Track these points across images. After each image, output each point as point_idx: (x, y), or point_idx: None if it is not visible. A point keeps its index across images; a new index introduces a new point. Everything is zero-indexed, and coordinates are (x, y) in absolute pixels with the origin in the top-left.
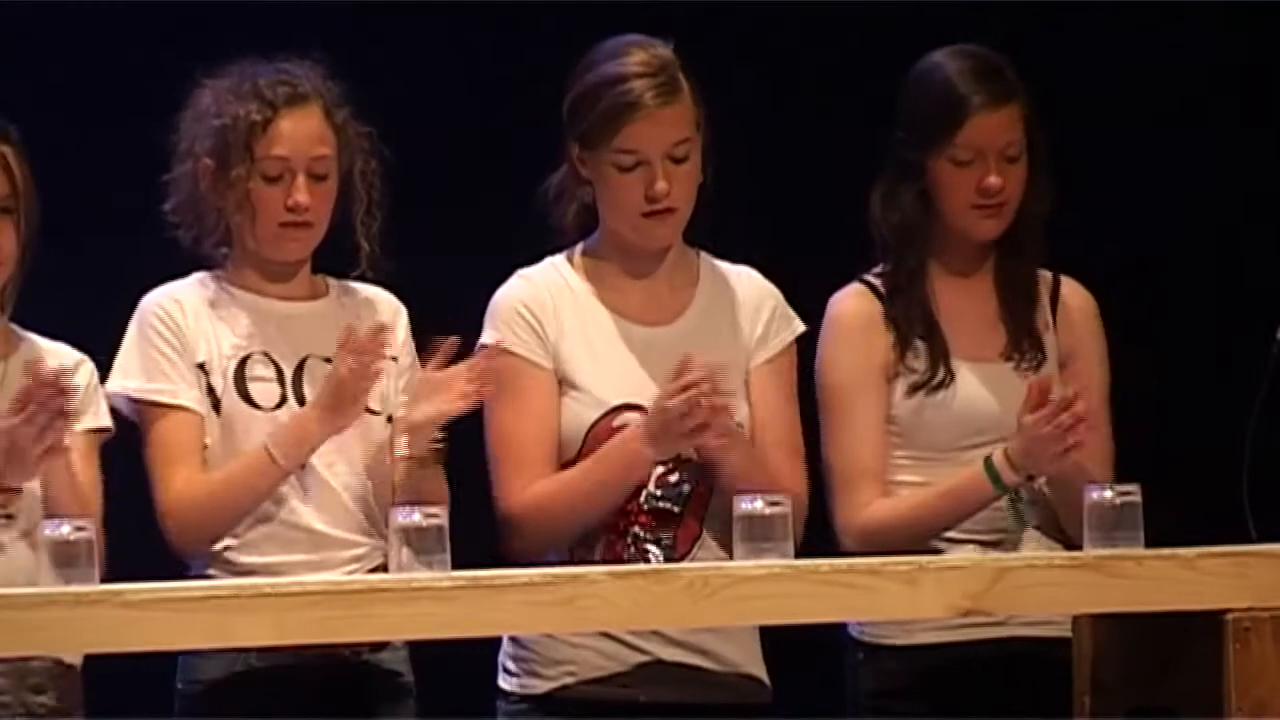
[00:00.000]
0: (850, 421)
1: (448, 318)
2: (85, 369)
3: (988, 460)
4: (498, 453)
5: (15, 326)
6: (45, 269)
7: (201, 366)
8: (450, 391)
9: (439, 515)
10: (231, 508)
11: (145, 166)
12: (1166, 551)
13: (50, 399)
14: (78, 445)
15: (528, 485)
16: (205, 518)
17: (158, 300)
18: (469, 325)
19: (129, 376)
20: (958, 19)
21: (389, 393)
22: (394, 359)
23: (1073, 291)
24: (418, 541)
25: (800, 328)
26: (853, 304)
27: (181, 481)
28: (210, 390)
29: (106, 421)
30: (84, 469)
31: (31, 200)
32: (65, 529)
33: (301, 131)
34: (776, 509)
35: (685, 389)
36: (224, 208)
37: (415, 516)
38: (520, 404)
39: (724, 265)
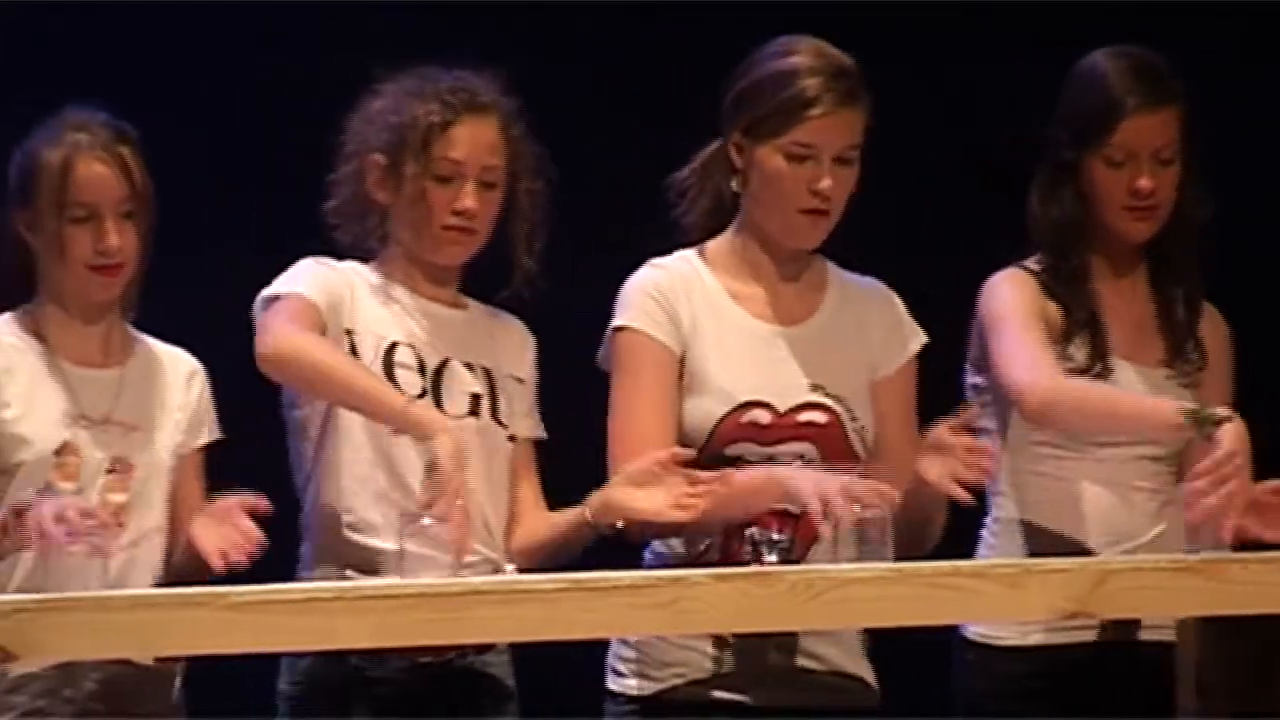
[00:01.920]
0: (1030, 325)
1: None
2: (201, 378)
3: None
4: (614, 428)
5: (133, 330)
6: (169, 274)
7: (350, 333)
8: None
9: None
10: (337, 381)
11: (274, 172)
12: (1271, 555)
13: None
14: (194, 464)
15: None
16: (313, 370)
17: (320, 258)
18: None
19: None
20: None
21: (514, 411)
22: (520, 380)
23: (1211, 312)
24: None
25: (923, 339)
26: (1015, 281)
27: (295, 331)
28: (355, 357)
29: (217, 434)
30: (196, 489)
31: (150, 202)
32: None
33: (478, 139)
34: (875, 512)
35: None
36: (389, 205)
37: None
38: (642, 383)
39: (850, 274)
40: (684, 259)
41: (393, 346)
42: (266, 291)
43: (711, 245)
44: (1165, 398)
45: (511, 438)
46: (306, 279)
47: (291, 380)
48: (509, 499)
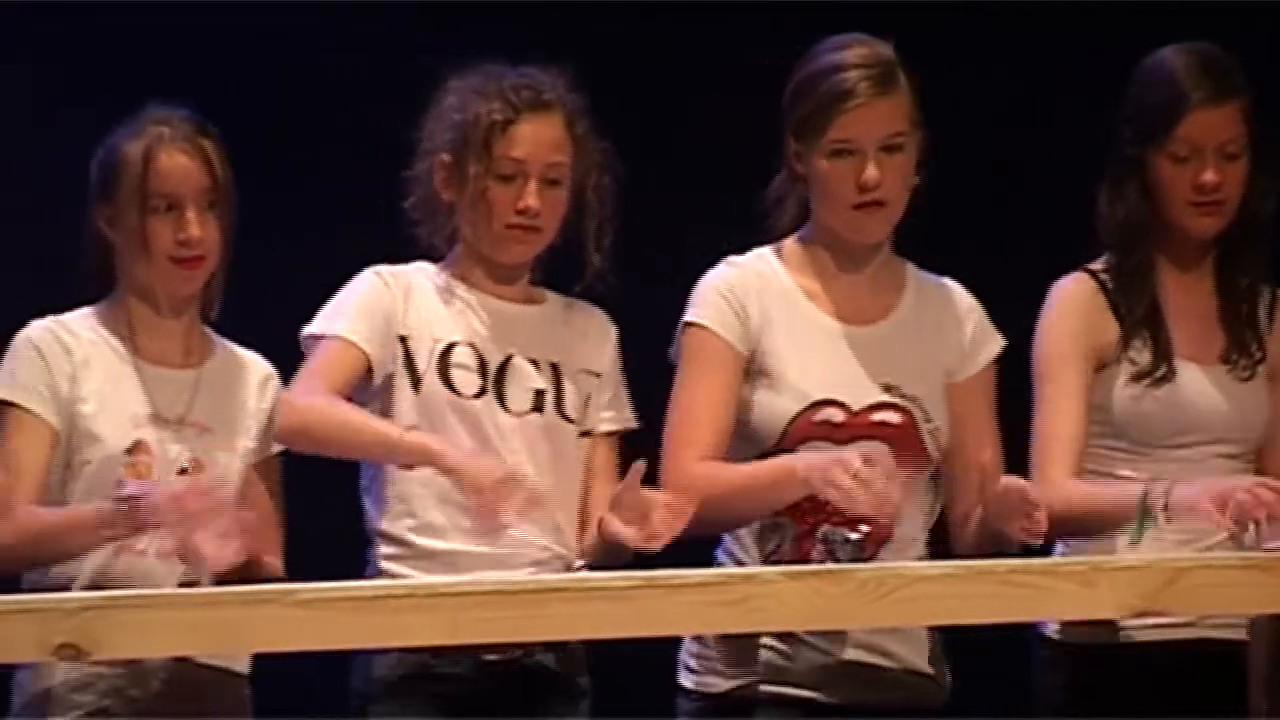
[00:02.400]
0: (1053, 392)
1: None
2: (275, 384)
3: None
4: (673, 420)
5: (210, 332)
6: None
7: (405, 340)
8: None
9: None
10: (339, 435)
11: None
12: None
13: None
14: (264, 470)
15: (694, 462)
16: (316, 431)
17: (381, 269)
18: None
19: (321, 316)
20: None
21: (589, 406)
22: (597, 374)
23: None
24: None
25: (1001, 343)
26: (1074, 287)
27: (308, 392)
28: (411, 367)
29: (277, 449)
30: (261, 494)
31: (232, 197)
32: None
33: (540, 137)
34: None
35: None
36: (455, 203)
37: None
38: (707, 381)
39: (929, 275)
40: (761, 257)
41: (449, 348)
42: (310, 329)
43: (787, 244)
44: (1223, 389)
45: (587, 434)
46: (350, 309)
47: (310, 450)
48: (584, 497)
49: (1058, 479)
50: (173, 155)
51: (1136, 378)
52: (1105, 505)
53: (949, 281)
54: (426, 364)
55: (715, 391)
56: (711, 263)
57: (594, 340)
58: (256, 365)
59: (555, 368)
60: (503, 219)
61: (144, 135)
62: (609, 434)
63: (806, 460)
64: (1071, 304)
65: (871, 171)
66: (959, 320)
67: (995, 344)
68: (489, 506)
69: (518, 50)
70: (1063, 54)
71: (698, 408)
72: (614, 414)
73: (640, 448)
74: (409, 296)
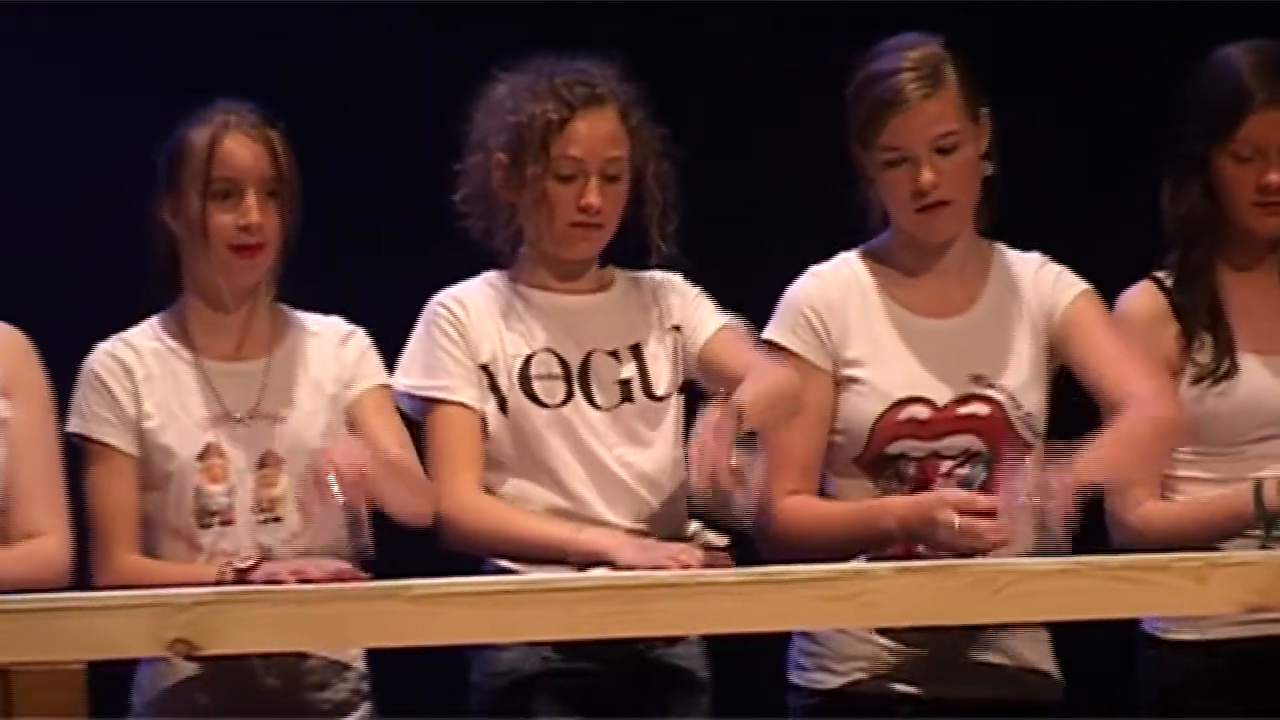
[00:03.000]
0: None
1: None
2: (357, 338)
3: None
4: (765, 451)
5: (286, 310)
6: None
7: (486, 367)
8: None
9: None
10: (505, 546)
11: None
12: None
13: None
14: (371, 401)
15: (789, 491)
16: (480, 539)
17: (444, 300)
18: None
19: (410, 374)
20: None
21: (680, 356)
22: (676, 327)
23: None
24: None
25: (1082, 285)
26: (1138, 300)
27: (464, 489)
28: (496, 390)
29: (384, 379)
30: (386, 423)
31: (295, 189)
32: None
33: (597, 133)
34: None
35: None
36: (516, 204)
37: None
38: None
39: (1015, 254)
40: (844, 261)
41: (528, 361)
42: (420, 389)
43: (870, 245)
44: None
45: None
46: (448, 365)
47: (460, 545)
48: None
49: (1137, 495)
50: (238, 140)
51: (1198, 379)
52: (1210, 513)
53: (1029, 254)
54: (509, 383)
55: (807, 423)
56: (792, 251)
57: (662, 299)
58: (333, 328)
59: (636, 350)
60: (565, 218)
61: (209, 123)
62: (720, 329)
63: (902, 516)
64: (1136, 320)
65: (927, 175)
66: (1035, 283)
67: (1076, 285)
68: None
69: (563, 46)
70: (1124, 51)
71: (792, 441)
72: (709, 318)
73: None
74: (479, 323)
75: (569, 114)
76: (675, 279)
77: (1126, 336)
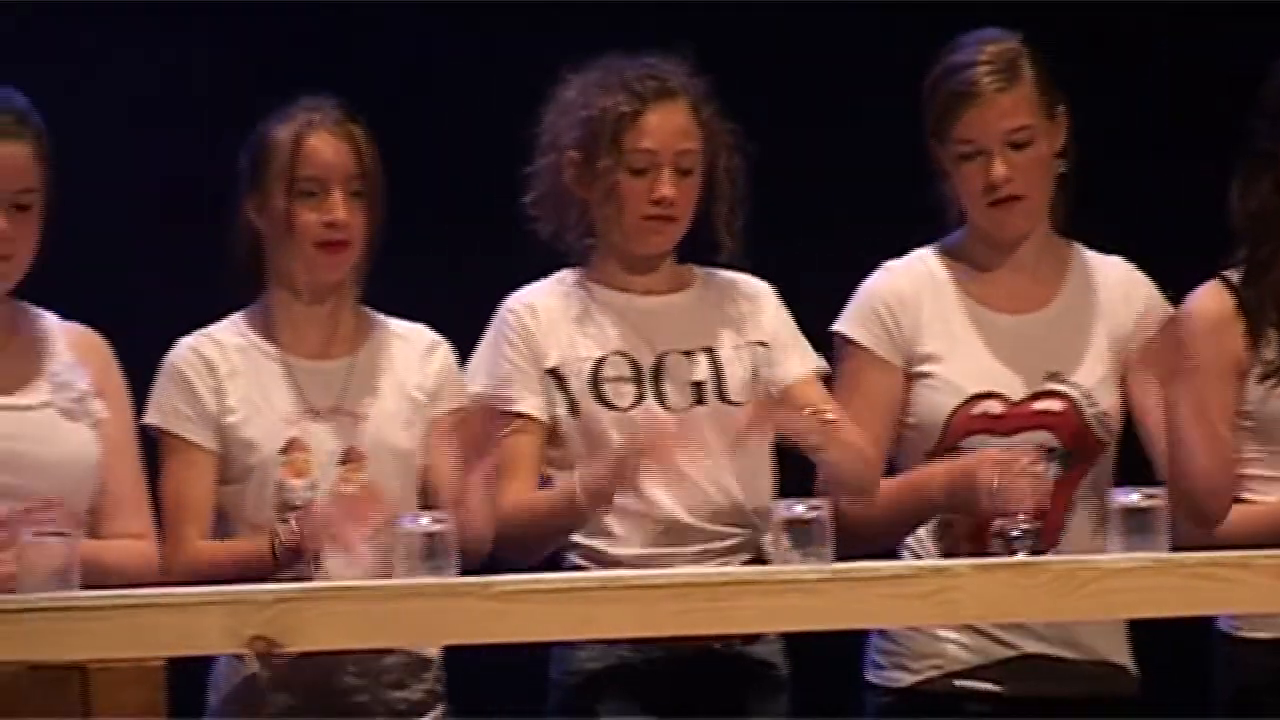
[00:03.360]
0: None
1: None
2: (443, 351)
3: None
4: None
5: (370, 312)
6: (408, 260)
7: (554, 372)
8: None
9: (821, 508)
10: (536, 531)
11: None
12: None
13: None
14: (446, 425)
15: None
16: (514, 538)
17: (513, 305)
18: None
19: (475, 380)
20: None
21: (759, 377)
22: (763, 344)
23: None
24: (798, 534)
25: (1169, 311)
26: (1205, 302)
27: (510, 496)
28: (566, 393)
29: (465, 400)
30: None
31: (380, 186)
32: (425, 520)
33: (669, 126)
34: (1154, 502)
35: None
36: (588, 200)
37: (798, 509)
38: (857, 399)
39: (1096, 255)
40: (919, 258)
41: (599, 364)
42: (490, 398)
43: (946, 241)
44: None
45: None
46: (515, 376)
47: (519, 556)
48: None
49: None
50: (322, 138)
51: (1265, 376)
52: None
53: (1115, 259)
54: (580, 386)
55: (871, 414)
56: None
57: (748, 309)
58: (418, 335)
59: (711, 353)
60: (638, 211)
61: (293, 120)
62: (805, 380)
63: (945, 483)
64: (1203, 323)
65: (999, 169)
66: (1126, 298)
67: (1163, 311)
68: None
69: (632, 45)
70: (1195, 48)
71: (860, 427)
72: (797, 360)
73: None
74: (548, 327)
75: (641, 106)
76: (767, 292)
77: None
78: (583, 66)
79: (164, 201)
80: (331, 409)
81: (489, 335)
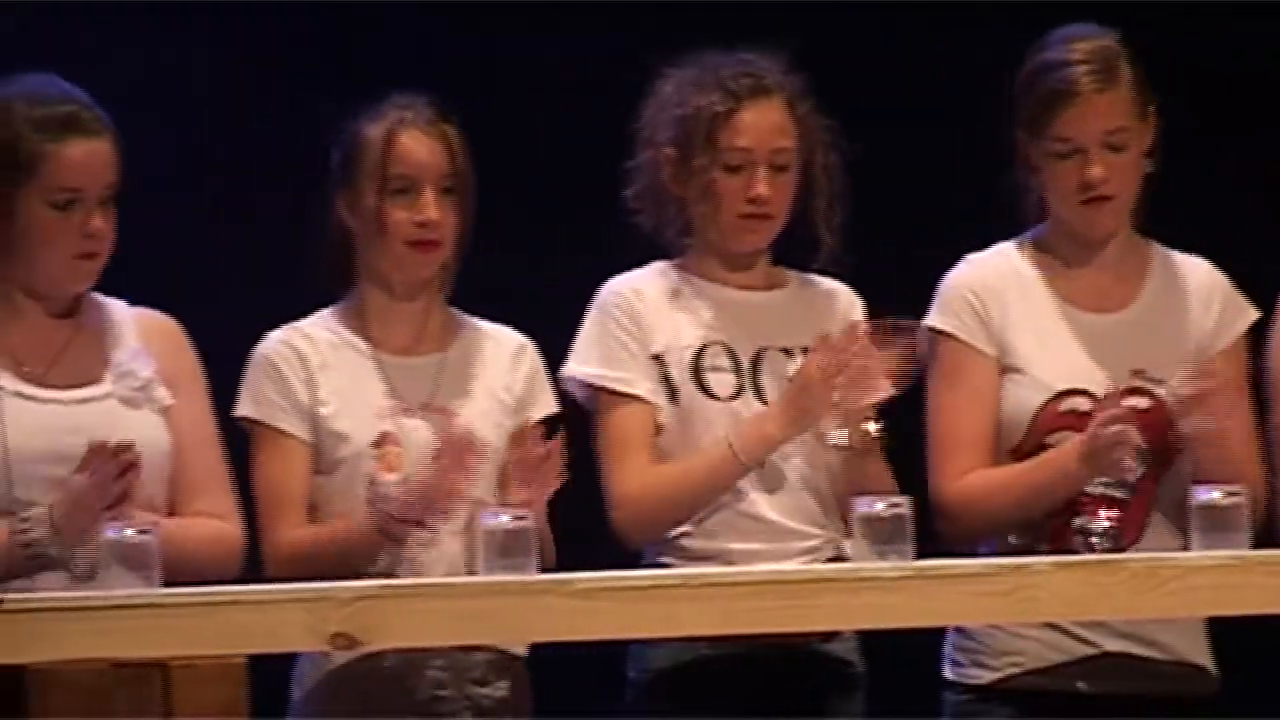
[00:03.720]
0: None
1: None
2: (530, 354)
3: None
4: (935, 436)
5: (456, 311)
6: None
7: (658, 357)
8: (878, 376)
9: (901, 505)
10: (688, 501)
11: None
12: None
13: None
14: (531, 437)
15: (963, 472)
16: (658, 509)
17: (618, 289)
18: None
19: (586, 362)
20: None
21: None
22: None
23: None
24: (878, 531)
25: (1252, 315)
26: None
27: (635, 472)
28: (667, 380)
29: (554, 408)
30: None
31: (471, 184)
32: (504, 518)
33: (764, 123)
34: (1234, 499)
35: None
36: (685, 197)
37: (878, 506)
38: (960, 389)
39: (1176, 255)
40: (1001, 253)
41: (700, 352)
42: (598, 379)
43: (1029, 237)
44: None
45: None
46: (621, 356)
47: (670, 529)
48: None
49: None
50: (414, 136)
51: None
52: None
53: (1195, 259)
54: (680, 374)
55: (974, 403)
56: (948, 246)
57: (841, 314)
58: (507, 337)
59: (807, 352)
60: (733, 209)
61: (385, 118)
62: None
63: (1083, 452)
64: None
65: (1095, 169)
66: (1206, 297)
67: (1246, 317)
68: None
69: (731, 42)
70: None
71: (960, 423)
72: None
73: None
74: (654, 312)
75: (735, 105)
76: (858, 304)
77: (1246, 398)
78: (680, 63)
79: (245, 196)
80: (423, 405)
81: (594, 316)
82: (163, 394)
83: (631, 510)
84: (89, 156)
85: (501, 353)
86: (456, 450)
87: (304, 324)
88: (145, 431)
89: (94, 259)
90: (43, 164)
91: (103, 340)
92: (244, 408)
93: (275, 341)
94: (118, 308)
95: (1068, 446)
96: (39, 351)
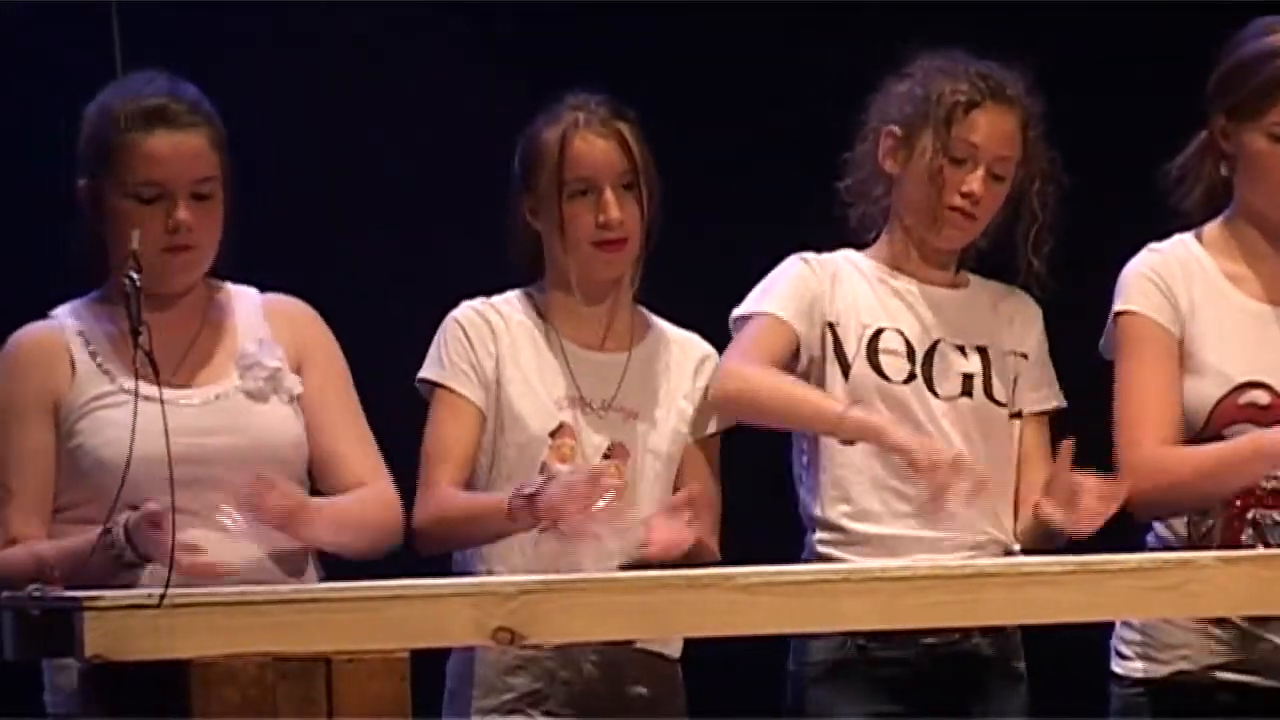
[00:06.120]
0: None
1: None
2: (710, 365)
3: None
4: (1126, 409)
5: (646, 312)
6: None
7: (832, 326)
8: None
9: None
10: (779, 404)
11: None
12: None
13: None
14: (703, 450)
15: (1155, 446)
16: (757, 398)
17: (804, 254)
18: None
19: (750, 297)
20: None
21: (1017, 387)
22: (1024, 355)
23: None
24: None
25: None
26: None
27: (749, 362)
28: (840, 355)
29: (729, 422)
30: (699, 474)
31: (653, 179)
32: None
33: (998, 128)
34: None
35: None
36: (896, 178)
37: None
38: (1151, 366)
39: None
40: (1181, 242)
41: (878, 333)
42: (740, 310)
43: (1208, 228)
44: None
45: (1017, 415)
46: (779, 291)
47: (747, 419)
48: (1016, 479)
49: None
50: (588, 139)
51: None
52: None
53: None
54: (855, 349)
55: (1162, 376)
56: (1127, 252)
57: (1020, 323)
58: (692, 345)
59: (983, 351)
60: (947, 199)
61: (560, 121)
62: (1038, 414)
63: (1273, 436)
64: None
65: None
66: None
67: None
68: (937, 487)
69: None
70: None
71: (1149, 393)
72: (1042, 393)
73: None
74: (836, 283)
75: (979, 100)
76: (1038, 313)
77: None
78: (926, 55)
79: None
80: (604, 403)
81: (774, 272)
82: (292, 381)
83: (738, 394)
84: (174, 149)
85: (687, 359)
86: (590, 482)
87: (497, 300)
88: (273, 424)
89: (184, 252)
90: (125, 156)
91: (228, 333)
92: (426, 370)
93: (469, 310)
94: (246, 296)
95: (1266, 432)
96: (164, 351)
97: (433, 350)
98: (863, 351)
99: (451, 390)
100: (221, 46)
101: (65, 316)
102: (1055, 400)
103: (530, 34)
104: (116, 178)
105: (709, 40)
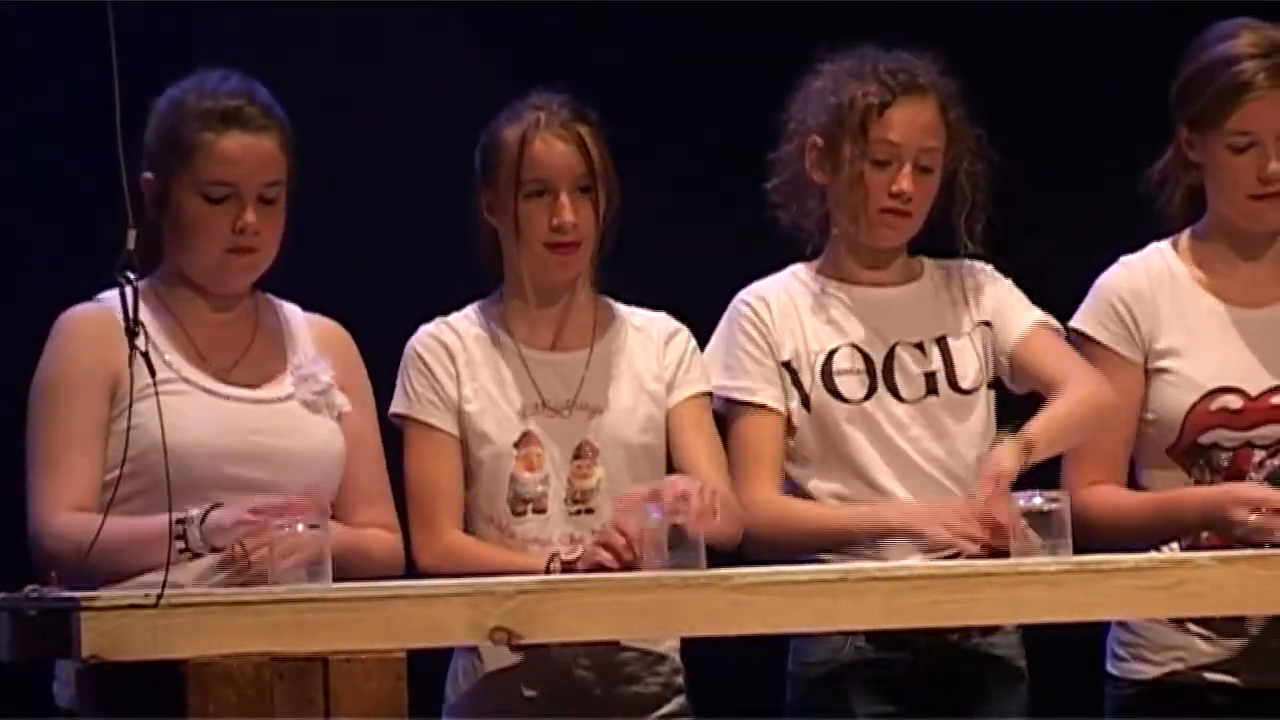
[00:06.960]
0: None
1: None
2: (680, 338)
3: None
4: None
5: (610, 302)
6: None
7: (788, 364)
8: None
9: (1060, 500)
10: (804, 541)
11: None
12: None
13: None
14: (689, 413)
15: (1089, 482)
16: (777, 540)
17: (746, 298)
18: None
19: (712, 373)
20: None
21: (991, 352)
22: (987, 323)
23: None
24: (1037, 525)
25: None
26: None
27: (764, 495)
28: (799, 386)
29: (705, 386)
30: (700, 436)
31: (611, 182)
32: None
33: (916, 121)
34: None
35: None
36: (826, 188)
37: (1036, 500)
38: None
39: None
40: (1156, 251)
41: (830, 355)
42: (727, 389)
43: (1183, 237)
44: None
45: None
46: (750, 371)
47: (758, 548)
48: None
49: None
50: (547, 141)
51: None
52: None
53: None
54: (811, 379)
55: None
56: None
57: (974, 292)
58: (658, 324)
59: (942, 343)
60: (876, 203)
61: (521, 121)
62: (1033, 329)
63: (1202, 512)
64: None
65: (1274, 165)
66: None
67: None
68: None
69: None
70: None
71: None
72: (1021, 315)
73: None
74: (782, 320)
75: (890, 99)
76: (987, 270)
77: None
78: (834, 56)
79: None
80: (567, 404)
81: (722, 329)
82: (341, 400)
83: (755, 536)
84: (245, 151)
85: (650, 343)
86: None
87: (453, 318)
88: (324, 438)
89: (248, 254)
90: (197, 154)
91: (282, 342)
92: (397, 405)
93: (425, 335)
94: (293, 311)
95: (1191, 502)
96: (223, 348)
97: (399, 382)
98: (818, 380)
99: (424, 423)
100: (222, 47)
101: (114, 301)
102: (1038, 315)
103: (530, 34)
104: (187, 176)
105: (709, 40)
